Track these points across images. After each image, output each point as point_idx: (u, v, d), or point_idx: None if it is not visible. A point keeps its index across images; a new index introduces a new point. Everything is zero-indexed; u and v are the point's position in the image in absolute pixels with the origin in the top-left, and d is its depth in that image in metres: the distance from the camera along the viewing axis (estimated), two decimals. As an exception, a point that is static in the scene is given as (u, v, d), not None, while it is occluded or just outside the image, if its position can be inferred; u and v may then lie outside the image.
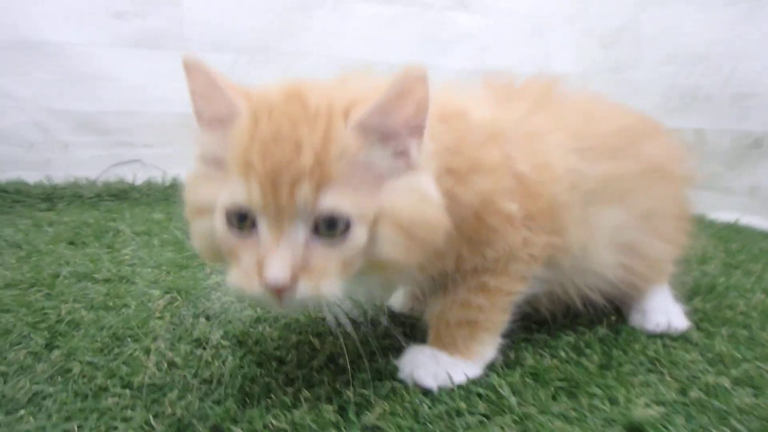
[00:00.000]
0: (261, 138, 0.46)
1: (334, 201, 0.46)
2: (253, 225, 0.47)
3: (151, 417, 0.50)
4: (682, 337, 0.70)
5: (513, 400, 0.54)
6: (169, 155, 1.62)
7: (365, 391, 0.54)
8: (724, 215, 1.50)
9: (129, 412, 0.51)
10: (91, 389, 0.55)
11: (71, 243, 1.08)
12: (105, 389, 0.55)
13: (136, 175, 1.59)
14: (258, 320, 0.72)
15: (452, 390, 0.56)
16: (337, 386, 0.56)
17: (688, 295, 0.86)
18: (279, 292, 0.45)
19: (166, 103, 1.60)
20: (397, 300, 0.77)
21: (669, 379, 0.59)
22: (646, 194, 0.69)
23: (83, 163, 1.55)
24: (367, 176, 0.48)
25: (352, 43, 1.77)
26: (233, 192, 0.46)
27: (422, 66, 0.46)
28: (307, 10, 1.70)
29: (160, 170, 1.62)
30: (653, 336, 0.70)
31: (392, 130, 0.48)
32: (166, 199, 1.54)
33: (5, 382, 0.56)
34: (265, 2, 1.65)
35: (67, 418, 0.50)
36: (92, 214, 1.33)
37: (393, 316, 0.75)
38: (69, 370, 0.58)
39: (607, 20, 1.89)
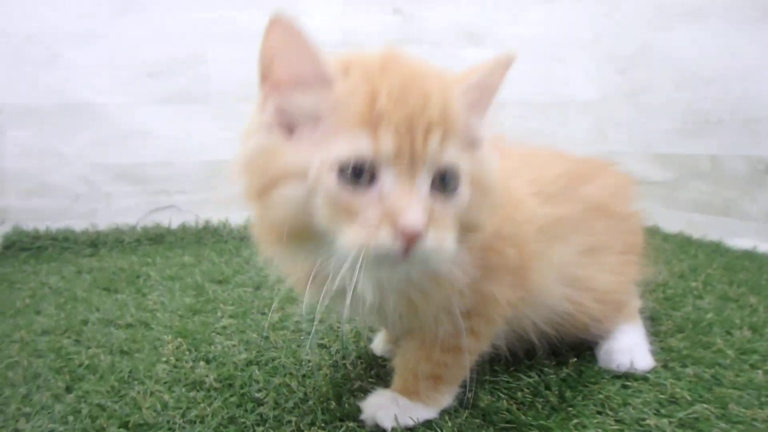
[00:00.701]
0: (389, 90, 0.46)
1: (455, 155, 0.48)
2: (372, 179, 0.46)
3: (138, 454, 0.59)
4: (643, 378, 0.73)
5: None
6: (201, 201, 1.75)
7: (324, 432, 0.61)
8: (741, 242, 1.49)
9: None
10: (94, 428, 0.64)
11: (105, 289, 1.21)
12: (104, 429, 0.64)
13: (172, 220, 1.72)
14: (250, 363, 0.80)
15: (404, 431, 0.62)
16: (302, 426, 0.63)
17: (671, 331, 0.89)
18: (411, 241, 0.44)
19: (197, 152, 1.74)
20: (378, 345, 0.83)
21: (612, 421, 0.62)
22: (588, 232, 0.73)
23: (124, 211, 1.70)
24: (465, 140, 0.50)
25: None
26: (353, 145, 0.45)
27: (513, 52, 0.53)
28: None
29: (194, 214, 1.74)
30: (616, 377, 0.74)
31: (484, 104, 0.53)
32: (198, 241, 1.67)
33: (27, 421, 0.66)
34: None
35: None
36: (129, 259, 1.46)
37: (373, 358, 0.82)
38: (79, 411, 0.67)
39: (621, 46, 1.91)
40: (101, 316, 1.01)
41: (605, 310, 0.75)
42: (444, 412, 0.65)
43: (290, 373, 0.76)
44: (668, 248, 1.52)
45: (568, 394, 0.68)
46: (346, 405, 0.66)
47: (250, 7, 1.67)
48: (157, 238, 1.65)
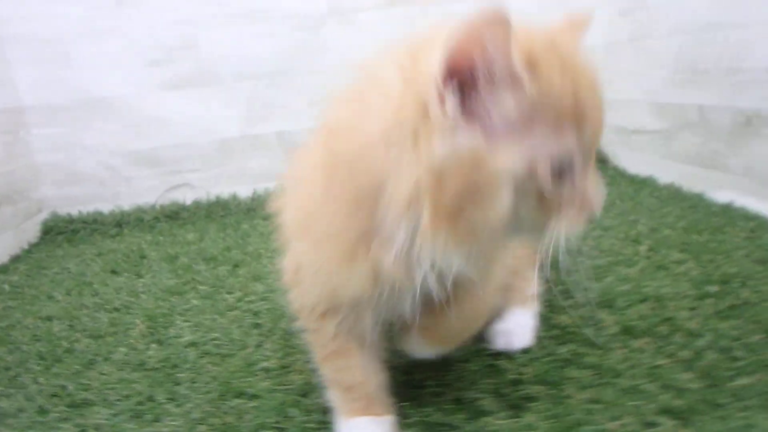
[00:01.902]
0: (586, 86, 0.47)
1: None
2: (570, 169, 0.48)
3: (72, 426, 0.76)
4: (509, 357, 0.81)
5: None
6: (212, 177, 1.92)
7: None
8: (723, 195, 1.45)
9: (60, 423, 0.77)
10: (50, 404, 0.81)
11: (112, 271, 1.40)
12: (56, 405, 0.81)
13: (186, 197, 1.91)
14: (190, 344, 0.95)
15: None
16: (201, 403, 0.77)
17: (574, 306, 0.94)
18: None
19: (204, 132, 1.90)
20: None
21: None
22: None
23: (144, 191, 1.89)
24: None
25: (358, 51, 1.91)
26: (564, 141, 0.47)
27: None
28: (315, 29, 1.87)
29: (205, 191, 1.92)
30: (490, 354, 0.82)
31: None
32: (208, 215, 1.84)
33: (8, 400, 0.84)
34: (274, 30, 1.84)
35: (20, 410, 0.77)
36: (144, 238, 1.66)
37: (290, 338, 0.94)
38: (43, 392, 0.85)
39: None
40: (97, 301, 1.20)
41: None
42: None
43: (217, 354, 0.91)
44: (652, 202, 1.52)
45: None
46: (238, 382, 0.80)
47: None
48: (172, 215, 1.84)
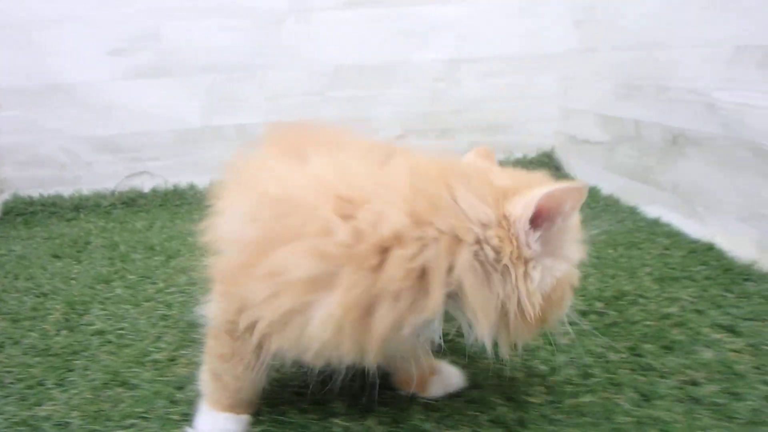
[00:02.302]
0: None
1: None
2: None
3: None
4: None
5: None
6: (169, 166, 1.97)
7: None
8: (653, 210, 1.49)
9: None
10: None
11: (55, 256, 1.45)
12: (-47, 387, 0.87)
13: (144, 184, 1.96)
14: (96, 333, 1.00)
15: None
16: (64, 384, 0.82)
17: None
18: None
19: (165, 122, 1.94)
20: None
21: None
22: None
23: (104, 177, 1.94)
24: None
25: (322, 50, 1.95)
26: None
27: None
28: (275, 26, 1.90)
29: (164, 179, 1.96)
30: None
31: None
32: (164, 204, 1.89)
33: None
34: (234, 24, 1.88)
35: None
36: (96, 224, 1.71)
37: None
38: (-49, 371, 0.91)
39: None
40: (29, 285, 1.25)
41: None
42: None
43: (117, 343, 0.96)
44: (587, 213, 1.55)
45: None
46: (126, 372, 0.85)
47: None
48: (129, 202, 1.89)
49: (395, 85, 2.03)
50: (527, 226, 0.56)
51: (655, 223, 1.43)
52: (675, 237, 1.32)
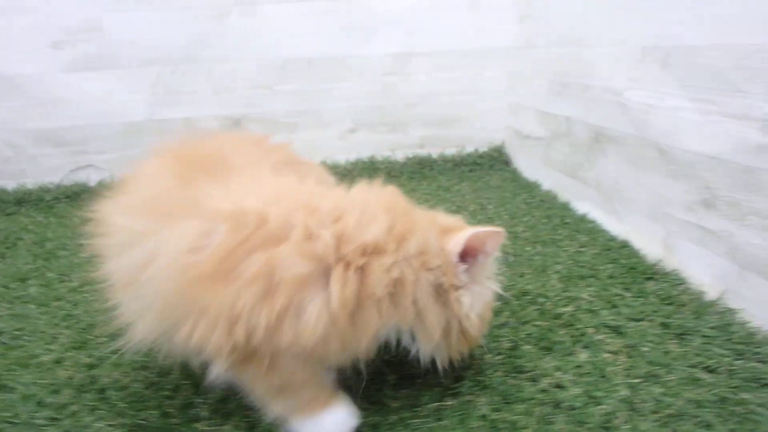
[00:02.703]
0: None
1: None
2: None
3: None
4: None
5: None
6: (115, 159, 1.96)
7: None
8: (583, 206, 1.49)
9: None
10: None
11: (-16, 251, 1.46)
12: None
13: (90, 178, 1.95)
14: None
15: None
16: (-43, 396, 0.83)
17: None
18: None
19: (110, 115, 1.93)
20: None
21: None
22: None
23: (49, 170, 1.94)
24: None
25: (267, 43, 1.93)
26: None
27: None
28: (219, 18, 1.89)
29: (109, 172, 1.96)
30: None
31: None
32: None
33: None
34: (179, 17, 1.86)
35: None
36: (36, 218, 1.71)
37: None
38: None
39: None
40: (-54, 282, 1.26)
41: None
42: None
43: (7, 344, 0.97)
44: (522, 208, 1.56)
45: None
46: (7, 374, 0.86)
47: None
48: (73, 196, 1.89)
49: (345, 79, 2.02)
50: (457, 259, 0.69)
51: (582, 219, 1.43)
52: (595, 234, 1.33)
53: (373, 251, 0.63)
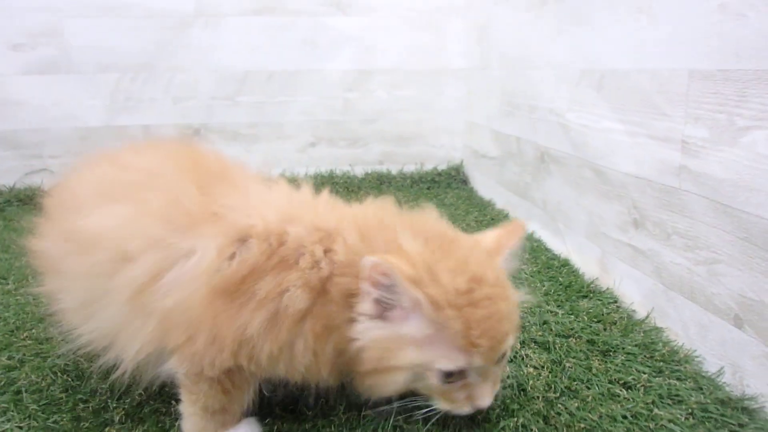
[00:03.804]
0: (477, 324, 0.59)
1: (512, 342, 0.66)
2: (461, 376, 0.63)
3: None
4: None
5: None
6: (71, 164, 1.93)
7: None
8: (531, 225, 1.51)
9: None
10: None
11: None
12: None
13: (44, 182, 1.92)
14: None
15: None
16: None
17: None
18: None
19: (66, 119, 1.91)
20: None
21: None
22: None
23: (2, 173, 1.91)
24: None
25: (229, 55, 1.95)
26: (454, 362, 0.61)
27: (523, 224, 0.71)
28: (181, 29, 1.89)
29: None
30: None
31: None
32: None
33: None
34: (140, 25, 1.87)
35: None
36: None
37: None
38: None
39: (477, 16, 1.86)
40: None
41: None
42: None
43: None
44: (473, 227, 1.58)
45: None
46: None
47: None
48: (26, 199, 1.86)
49: (306, 93, 2.04)
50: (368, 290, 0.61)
51: (528, 238, 1.45)
52: (537, 253, 1.35)
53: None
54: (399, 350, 0.61)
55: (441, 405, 0.66)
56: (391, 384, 0.63)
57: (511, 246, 0.69)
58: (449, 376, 0.62)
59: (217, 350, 0.61)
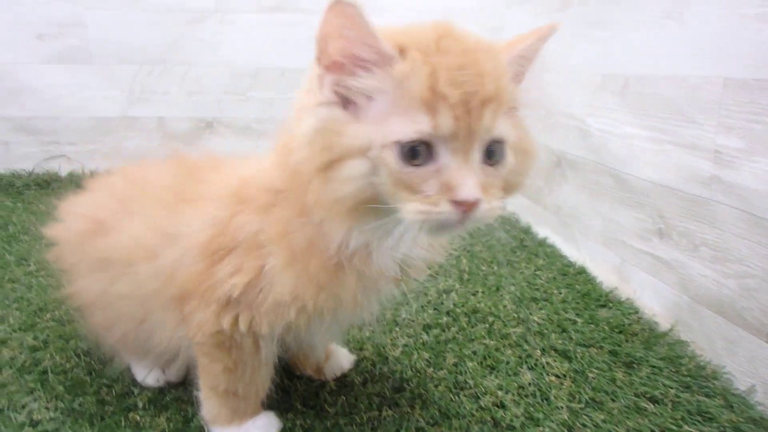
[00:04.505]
0: (447, 71, 0.47)
1: (504, 126, 0.51)
2: (429, 156, 0.48)
3: None
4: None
5: None
6: (87, 152, 1.95)
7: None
8: (543, 230, 1.50)
9: None
10: None
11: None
12: None
13: (62, 168, 1.94)
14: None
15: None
16: None
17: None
18: (468, 209, 0.47)
19: (84, 109, 1.92)
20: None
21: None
22: None
23: (21, 158, 1.92)
24: (509, 108, 0.53)
25: (241, 51, 1.95)
26: (414, 126, 0.47)
27: (556, 24, 0.56)
28: (196, 23, 1.90)
29: (81, 164, 1.95)
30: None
31: (524, 72, 0.57)
32: (79, 188, 1.86)
33: None
34: (158, 19, 1.88)
35: None
36: (4, 203, 1.68)
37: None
38: None
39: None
40: None
41: None
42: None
43: None
44: (481, 230, 1.56)
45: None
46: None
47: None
48: (44, 184, 1.87)
49: (318, 90, 2.03)
50: (317, 69, 0.52)
51: (541, 243, 1.44)
52: (552, 258, 1.34)
53: None
54: (350, 128, 0.49)
55: (410, 208, 0.48)
56: (348, 181, 0.49)
57: (525, 45, 0.55)
58: (413, 156, 0.48)
59: (208, 313, 0.62)
